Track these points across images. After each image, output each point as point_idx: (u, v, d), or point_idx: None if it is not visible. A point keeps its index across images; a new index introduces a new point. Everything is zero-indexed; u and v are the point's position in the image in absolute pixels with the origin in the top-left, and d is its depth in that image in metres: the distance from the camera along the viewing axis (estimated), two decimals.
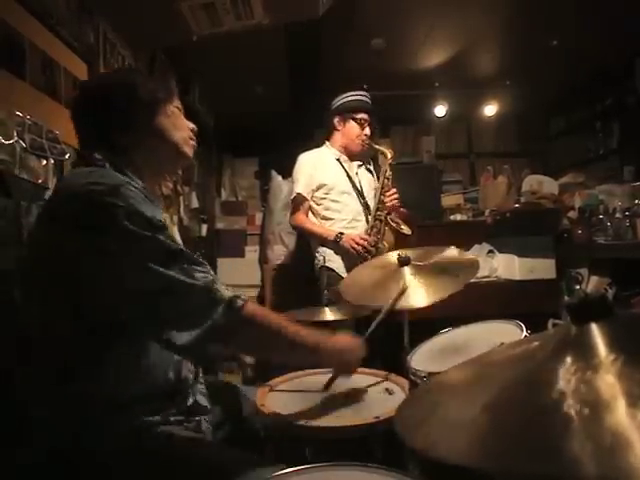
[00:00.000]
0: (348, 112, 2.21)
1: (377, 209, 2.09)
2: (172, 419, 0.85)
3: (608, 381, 0.36)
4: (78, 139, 0.93)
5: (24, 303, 0.82)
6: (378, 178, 2.19)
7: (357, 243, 2.00)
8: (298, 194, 2.17)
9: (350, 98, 2.23)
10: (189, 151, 0.98)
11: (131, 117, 0.89)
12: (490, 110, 4.02)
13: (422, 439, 0.40)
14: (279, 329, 0.86)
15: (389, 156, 2.13)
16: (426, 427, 0.42)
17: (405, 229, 2.04)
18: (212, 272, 0.83)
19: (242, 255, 3.60)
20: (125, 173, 0.86)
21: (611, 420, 0.32)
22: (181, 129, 0.96)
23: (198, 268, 0.79)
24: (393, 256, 1.22)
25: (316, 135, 2.89)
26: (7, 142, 1.20)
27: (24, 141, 1.25)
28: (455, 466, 0.33)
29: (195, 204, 3.20)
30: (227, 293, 0.80)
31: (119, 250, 0.75)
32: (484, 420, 0.39)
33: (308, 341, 0.90)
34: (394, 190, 2.10)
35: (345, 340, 1.00)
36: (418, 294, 1.09)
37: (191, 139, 0.99)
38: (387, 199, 2.08)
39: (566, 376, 0.38)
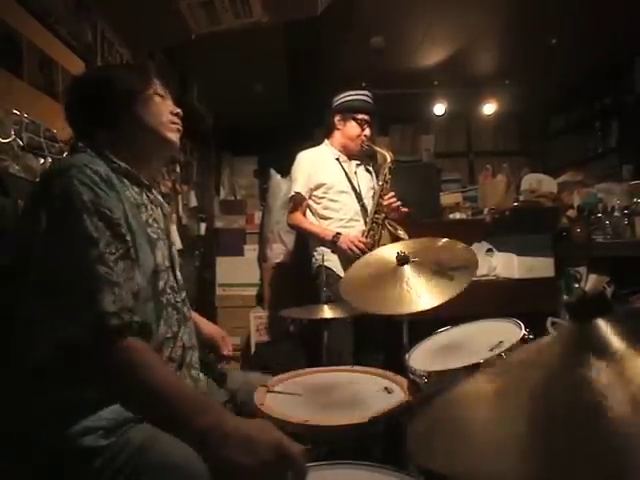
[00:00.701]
0: (349, 112, 2.20)
1: (375, 212, 2.09)
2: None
3: (638, 370, 0.34)
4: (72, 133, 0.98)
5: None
6: (377, 178, 2.19)
7: (354, 244, 2.00)
8: (297, 193, 2.17)
9: (352, 97, 2.21)
10: (171, 135, 0.98)
11: (106, 108, 0.92)
12: (489, 109, 4.02)
13: (453, 464, 0.35)
14: (157, 388, 0.66)
15: (389, 159, 2.12)
16: (453, 450, 0.37)
17: (402, 233, 2.04)
18: (119, 276, 0.73)
19: (241, 254, 3.60)
20: (106, 156, 0.89)
21: None
22: (161, 114, 0.97)
23: (99, 268, 0.71)
24: (391, 253, 1.21)
25: (315, 134, 2.89)
26: (5, 141, 1.19)
27: (22, 140, 1.25)
28: None
29: (194, 203, 3.20)
30: (107, 306, 0.68)
31: (45, 231, 0.75)
32: (525, 437, 0.36)
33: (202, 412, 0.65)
34: (392, 194, 2.10)
35: (259, 428, 0.65)
36: (418, 299, 1.08)
37: (174, 123, 0.99)
38: (385, 202, 2.08)
39: (597, 376, 0.36)
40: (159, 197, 1.04)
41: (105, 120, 0.92)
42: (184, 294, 1.02)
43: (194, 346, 1.01)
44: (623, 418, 0.31)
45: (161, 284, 0.91)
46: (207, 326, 1.21)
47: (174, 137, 0.99)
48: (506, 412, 0.39)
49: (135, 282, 0.78)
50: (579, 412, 0.34)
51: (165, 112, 0.98)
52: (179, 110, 1.02)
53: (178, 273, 1.01)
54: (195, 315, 1.17)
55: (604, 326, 0.41)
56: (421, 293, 1.07)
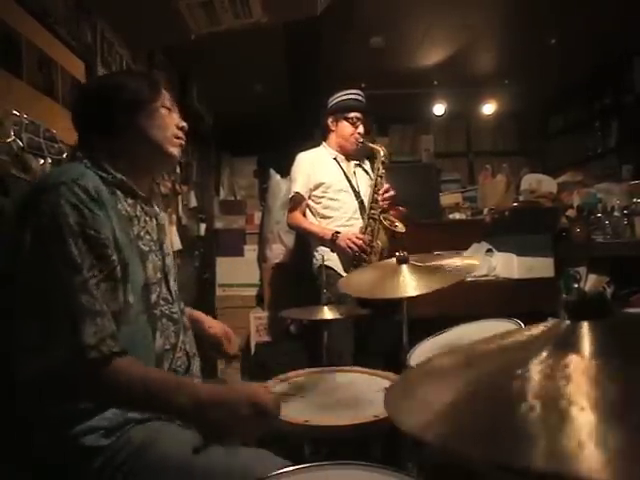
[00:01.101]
0: (341, 112, 2.22)
1: (371, 208, 2.09)
2: (163, 416, 0.85)
3: (579, 381, 0.36)
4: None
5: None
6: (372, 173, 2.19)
7: (353, 242, 2.01)
8: (296, 193, 2.18)
9: (342, 98, 2.24)
10: (174, 150, 0.97)
11: (108, 121, 0.90)
12: (489, 109, 4.03)
13: (407, 419, 0.41)
14: (143, 402, 0.75)
15: (382, 154, 2.13)
16: (411, 408, 0.43)
17: (399, 227, 2.04)
18: (101, 305, 0.74)
19: (241, 254, 3.60)
20: (103, 168, 0.88)
21: (571, 417, 0.32)
22: (166, 128, 0.95)
23: (82, 297, 0.72)
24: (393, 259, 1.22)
25: (315, 134, 2.90)
26: (4, 141, 1.19)
27: (21, 140, 1.25)
28: (432, 447, 0.35)
29: (194, 203, 3.19)
30: (88, 338, 0.70)
31: (30, 252, 0.75)
32: (450, 401, 0.40)
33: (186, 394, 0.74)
34: (387, 186, 2.10)
35: (230, 389, 0.79)
36: (412, 285, 1.09)
37: (178, 138, 0.98)
38: (380, 197, 2.08)
39: (539, 369, 0.39)
40: (156, 208, 1.02)
41: (107, 127, 0.90)
42: (182, 304, 1.01)
43: (195, 355, 1.00)
44: (532, 414, 0.34)
45: (153, 297, 0.90)
46: (211, 324, 1.18)
47: (176, 152, 0.97)
48: (454, 384, 0.44)
49: (119, 302, 0.79)
50: (502, 396, 0.38)
51: (170, 126, 0.97)
52: (185, 124, 1.00)
53: (173, 284, 0.98)
54: (199, 314, 1.16)
55: (585, 329, 0.41)
56: (416, 282, 1.08)
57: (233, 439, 0.75)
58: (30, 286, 0.74)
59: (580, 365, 0.38)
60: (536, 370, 0.39)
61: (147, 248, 0.91)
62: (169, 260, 0.99)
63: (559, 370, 0.37)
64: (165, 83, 1.01)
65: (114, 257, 0.80)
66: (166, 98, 0.97)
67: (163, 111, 0.96)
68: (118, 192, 0.89)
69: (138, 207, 0.93)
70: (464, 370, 0.47)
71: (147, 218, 0.95)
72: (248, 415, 0.72)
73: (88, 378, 0.72)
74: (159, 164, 1.01)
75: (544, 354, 0.40)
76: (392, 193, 2.10)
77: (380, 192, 2.09)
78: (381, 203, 2.08)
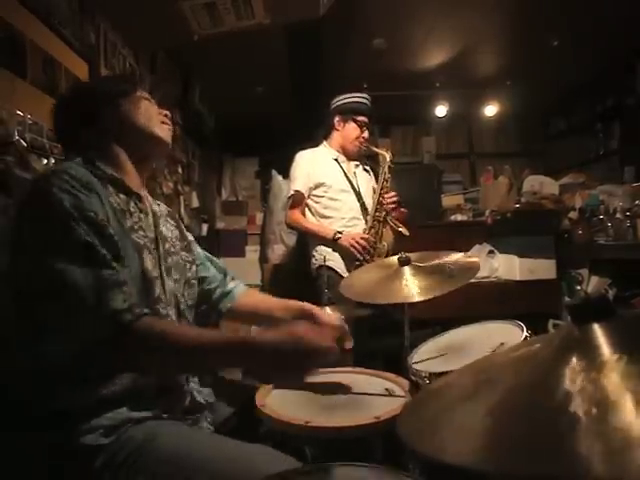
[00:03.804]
0: (349, 113, 2.21)
1: (376, 210, 2.09)
2: (165, 416, 0.85)
3: (614, 380, 0.36)
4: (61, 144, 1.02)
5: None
6: (376, 178, 2.19)
7: (357, 242, 2.00)
8: (296, 191, 2.16)
9: (352, 99, 2.22)
10: (162, 133, 0.98)
11: (94, 113, 0.93)
12: (490, 110, 4.03)
13: (428, 444, 0.39)
14: (183, 345, 0.76)
15: (388, 159, 2.13)
16: (431, 432, 0.41)
17: (403, 230, 2.05)
18: (123, 275, 0.77)
19: (243, 255, 3.60)
20: (94, 164, 0.89)
21: (619, 419, 0.32)
22: (149, 113, 0.98)
23: (103, 271, 0.74)
24: (394, 259, 1.22)
25: (317, 135, 2.90)
26: (8, 141, 1.20)
27: (25, 140, 1.25)
28: (463, 471, 0.33)
29: (195, 204, 3.20)
30: (119, 304, 0.73)
31: (26, 237, 0.76)
32: (490, 424, 0.39)
33: (230, 341, 0.77)
34: (393, 193, 2.11)
35: (287, 334, 0.77)
36: (415, 290, 1.09)
37: (163, 122, 1.00)
38: (386, 201, 2.08)
39: (571, 377, 0.38)
40: (155, 206, 1.01)
41: (93, 120, 0.92)
42: (175, 309, 0.96)
43: None
44: (583, 420, 0.33)
45: (157, 291, 0.89)
46: (322, 314, 1.09)
47: (164, 134, 0.99)
48: (478, 403, 0.42)
49: (132, 282, 0.81)
50: (540, 409, 0.37)
51: (154, 113, 0.99)
52: (167, 112, 1.02)
53: (170, 284, 0.95)
54: (266, 296, 1.19)
55: (598, 330, 0.42)
56: (419, 286, 1.08)
57: (281, 378, 0.83)
58: (43, 275, 0.74)
59: (610, 366, 0.37)
60: (572, 379, 0.38)
61: (141, 242, 0.89)
62: (171, 260, 0.97)
63: (593, 375, 0.37)
64: (142, 83, 1.04)
65: (117, 238, 0.80)
66: (145, 92, 1.01)
67: (144, 101, 0.98)
68: (110, 187, 0.89)
69: (131, 203, 0.92)
70: (485, 387, 0.45)
71: (141, 215, 0.93)
72: (298, 361, 0.76)
73: (127, 337, 0.73)
74: (150, 150, 1.00)
75: (574, 361, 0.40)
76: (396, 198, 2.11)
77: (387, 196, 2.08)
78: (386, 206, 2.08)
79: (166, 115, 1.01)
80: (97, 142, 0.92)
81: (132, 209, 0.91)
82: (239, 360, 0.82)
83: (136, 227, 0.90)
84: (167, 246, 0.98)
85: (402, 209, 2.17)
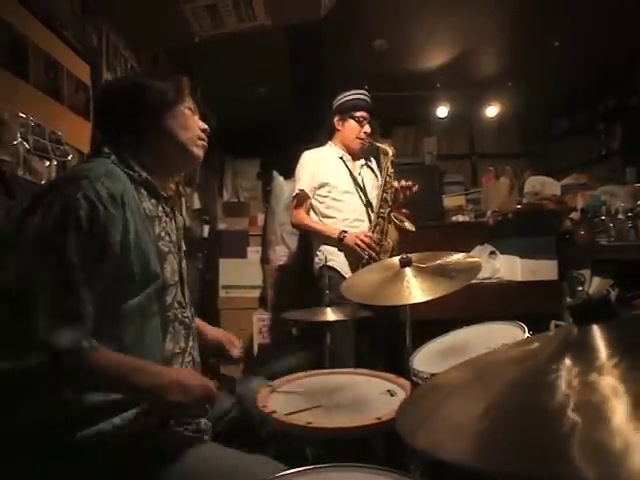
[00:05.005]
0: (347, 111, 2.21)
1: (380, 206, 2.08)
2: (171, 422, 0.86)
3: (610, 383, 0.36)
4: (92, 137, 0.98)
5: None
6: (380, 173, 2.19)
7: (362, 240, 1.99)
8: (301, 191, 2.17)
9: (348, 97, 2.23)
10: (197, 151, 0.99)
11: (136, 119, 0.92)
12: (492, 111, 4.02)
13: (424, 439, 0.40)
14: (104, 382, 0.77)
15: (390, 153, 2.12)
16: (428, 428, 0.41)
17: (409, 225, 2.03)
18: (86, 306, 0.75)
19: (244, 256, 3.60)
20: (130, 165, 0.89)
21: (614, 423, 0.32)
22: (190, 129, 0.98)
23: (67, 299, 0.73)
24: (395, 260, 1.22)
25: (318, 136, 2.90)
26: (10, 143, 1.20)
27: (27, 142, 1.26)
28: (457, 467, 0.33)
29: (197, 205, 3.20)
30: (59, 339, 0.71)
31: (33, 236, 0.75)
32: (486, 422, 0.38)
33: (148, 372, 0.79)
34: (404, 182, 2.06)
35: (189, 374, 0.85)
36: (416, 292, 1.09)
37: (201, 139, 1.01)
38: (401, 193, 2.05)
39: (568, 378, 0.38)
40: (175, 210, 1.03)
41: (134, 125, 0.92)
42: (193, 310, 1.02)
43: (199, 363, 1.01)
44: (579, 422, 0.33)
45: (169, 299, 0.90)
46: (212, 330, 1.20)
47: (200, 153, 1.00)
48: (475, 401, 0.42)
49: (118, 301, 0.80)
50: (537, 409, 0.37)
51: (194, 127, 0.99)
52: (206, 127, 1.02)
53: (187, 288, 1.00)
54: (198, 321, 1.16)
55: (597, 332, 0.41)
56: (420, 288, 1.08)
57: (186, 415, 0.87)
58: (27, 276, 0.74)
59: (607, 368, 0.37)
60: (567, 379, 0.38)
61: (166, 249, 0.92)
62: (185, 264, 1.01)
63: (589, 376, 0.37)
64: (189, 88, 1.02)
65: (119, 258, 0.80)
66: (190, 101, 1.00)
67: (188, 113, 0.98)
68: (143, 191, 0.90)
69: (160, 207, 0.95)
70: (483, 385, 0.45)
71: (167, 219, 0.96)
72: (200, 398, 0.81)
73: (66, 375, 0.74)
74: (182, 164, 1.03)
75: (567, 362, 0.40)
76: (409, 183, 2.07)
77: (397, 184, 2.04)
78: (401, 197, 2.06)
79: (204, 130, 1.02)
80: (134, 145, 0.92)
81: (160, 214, 0.94)
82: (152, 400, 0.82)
83: (163, 233, 0.92)
84: (183, 248, 1.01)
85: (403, 210, 2.17)
